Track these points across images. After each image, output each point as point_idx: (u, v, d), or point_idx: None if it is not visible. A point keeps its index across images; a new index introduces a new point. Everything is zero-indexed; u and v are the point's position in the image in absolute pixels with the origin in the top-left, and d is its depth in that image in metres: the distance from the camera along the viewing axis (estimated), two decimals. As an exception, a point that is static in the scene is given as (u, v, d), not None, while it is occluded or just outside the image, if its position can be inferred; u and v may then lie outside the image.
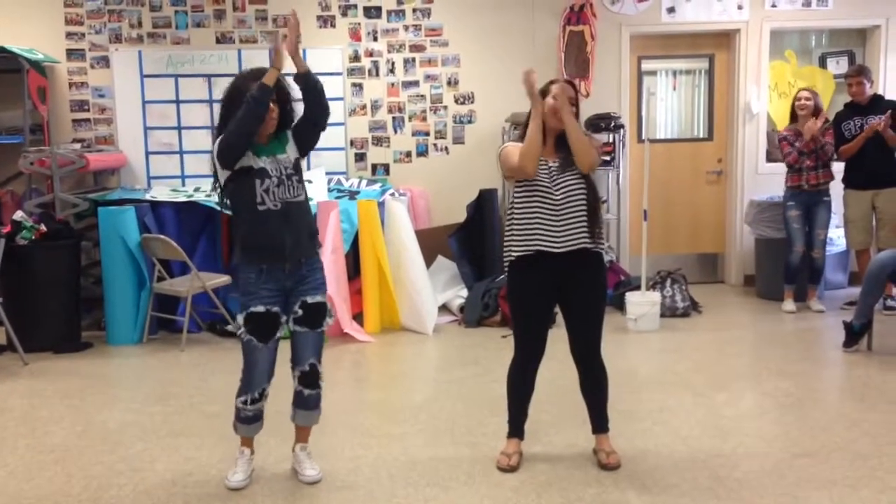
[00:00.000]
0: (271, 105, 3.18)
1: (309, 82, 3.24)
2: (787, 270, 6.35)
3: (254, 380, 3.28)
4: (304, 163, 3.40)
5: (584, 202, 3.32)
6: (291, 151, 3.30)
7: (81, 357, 5.52)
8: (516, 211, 3.38)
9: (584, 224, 3.31)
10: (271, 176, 3.20)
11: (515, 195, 3.40)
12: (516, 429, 3.53)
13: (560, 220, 3.29)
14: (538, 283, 3.36)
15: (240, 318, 3.25)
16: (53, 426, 4.13)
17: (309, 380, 3.36)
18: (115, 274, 5.77)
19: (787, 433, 3.81)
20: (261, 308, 3.22)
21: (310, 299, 3.29)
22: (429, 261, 6.32)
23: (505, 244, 3.43)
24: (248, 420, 3.36)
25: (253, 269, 3.23)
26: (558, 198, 3.30)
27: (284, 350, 3.35)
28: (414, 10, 7.00)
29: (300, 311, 3.28)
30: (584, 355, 3.47)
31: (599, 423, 3.53)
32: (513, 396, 3.52)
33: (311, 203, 3.42)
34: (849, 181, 6.30)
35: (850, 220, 6.31)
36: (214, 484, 3.37)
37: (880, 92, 6.79)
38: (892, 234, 6.03)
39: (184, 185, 6.84)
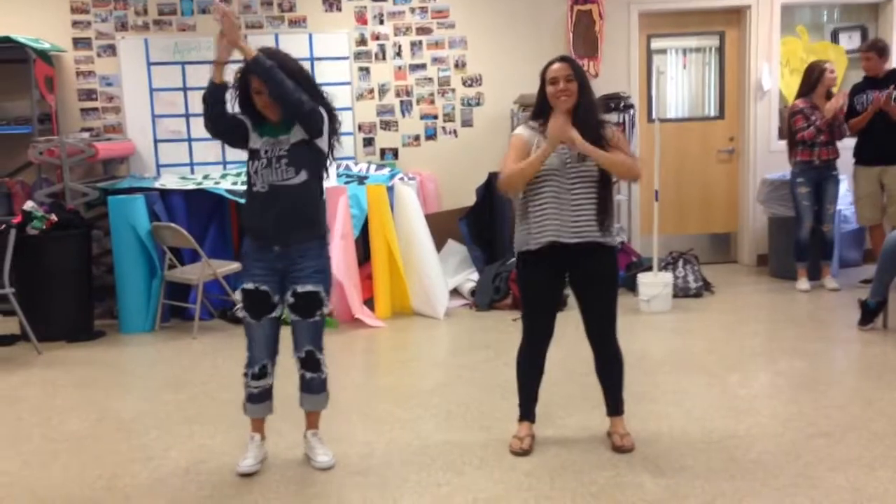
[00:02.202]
0: (258, 86, 3.13)
1: (256, 69, 3.08)
2: (797, 247, 6.30)
3: (253, 354, 3.34)
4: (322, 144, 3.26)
5: (595, 193, 3.27)
6: (297, 133, 3.22)
7: (94, 346, 5.54)
8: (530, 199, 3.31)
9: (596, 215, 3.27)
10: (261, 158, 3.20)
11: (528, 183, 3.33)
12: (527, 412, 3.52)
13: (573, 211, 3.25)
14: (548, 269, 3.34)
15: (237, 294, 3.33)
16: (67, 415, 4.15)
17: (308, 365, 3.37)
18: (126, 262, 5.78)
19: (802, 413, 3.78)
20: (250, 285, 3.27)
21: (300, 288, 3.26)
22: (439, 245, 6.30)
23: (517, 231, 3.39)
24: (254, 398, 3.37)
25: (248, 245, 3.32)
26: (572, 188, 3.25)
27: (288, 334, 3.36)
28: (420, -8, 6.95)
29: (292, 300, 3.28)
30: (599, 340, 3.44)
31: (614, 405, 3.51)
32: (522, 380, 3.51)
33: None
34: (858, 157, 6.24)
35: (859, 197, 6.27)
36: (228, 471, 3.37)
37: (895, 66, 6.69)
38: None
39: (193, 172, 6.83)
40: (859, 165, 6.22)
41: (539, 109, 3.35)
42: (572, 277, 3.37)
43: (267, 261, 3.26)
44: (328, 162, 3.35)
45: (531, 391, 3.52)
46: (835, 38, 7.28)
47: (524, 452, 3.41)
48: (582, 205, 3.26)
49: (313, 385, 3.40)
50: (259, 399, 3.39)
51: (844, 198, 6.61)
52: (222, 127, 3.23)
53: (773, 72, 7.13)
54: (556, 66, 3.29)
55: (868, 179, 6.17)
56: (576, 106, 3.27)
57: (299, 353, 3.35)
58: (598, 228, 3.27)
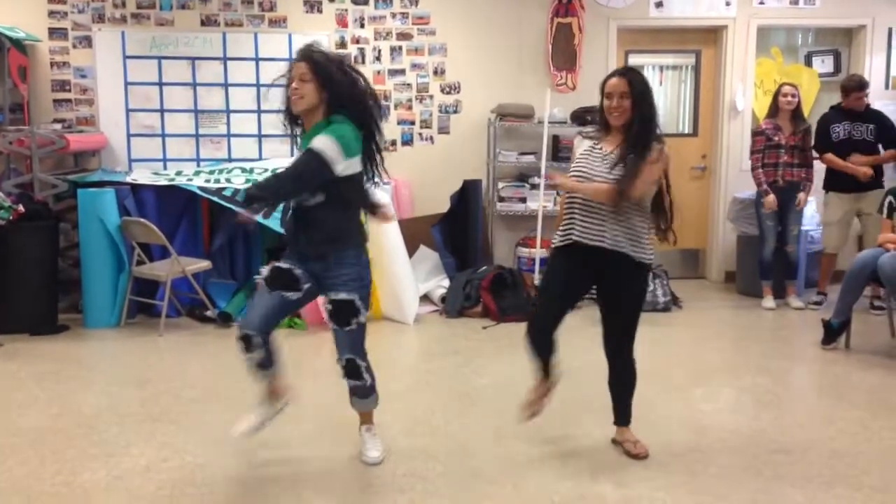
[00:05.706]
0: (295, 84, 3.08)
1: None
2: (761, 266, 6.39)
3: (248, 317, 3.25)
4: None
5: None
6: None
7: (58, 340, 5.46)
8: (568, 200, 3.36)
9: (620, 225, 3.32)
10: None
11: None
12: (539, 372, 3.54)
13: (596, 216, 3.28)
14: (572, 261, 3.35)
15: (265, 268, 3.28)
16: (27, 409, 4.09)
17: (350, 373, 3.34)
18: (93, 256, 5.71)
19: (764, 429, 3.83)
20: (286, 265, 3.23)
21: (333, 295, 3.20)
22: (411, 250, 6.29)
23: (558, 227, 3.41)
24: (252, 369, 3.29)
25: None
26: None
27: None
28: (402, -2, 6.96)
29: (329, 307, 3.23)
30: (615, 352, 3.46)
31: (624, 416, 3.55)
32: (531, 354, 3.50)
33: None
34: (832, 185, 6.33)
35: (829, 223, 6.36)
36: (189, 470, 3.34)
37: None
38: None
39: (165, 168, 6.76)
40: (833, 192, 6.31)
41: (600, 119, 3.40)
42: (600, 286, 3.40)
43: (307, 262, 3.22)
44: (363, 179, 3.26)
45: (543, 363, 3.51)
46: (808, 61, 7.40)
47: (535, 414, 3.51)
48: (604, 212, 3.26)
49: (358, 391, 3.41)
50: (258, 368, 3.27)
51: (812, 218, 6.72)
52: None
53: (747, 92, 7.23)
54: (612, 80, 3.28)
55: (841, 206, 6.25)
56: (630, 121, 3.26)
57: (341, 360, 3.32)
58: (624, 239, 3.28)
